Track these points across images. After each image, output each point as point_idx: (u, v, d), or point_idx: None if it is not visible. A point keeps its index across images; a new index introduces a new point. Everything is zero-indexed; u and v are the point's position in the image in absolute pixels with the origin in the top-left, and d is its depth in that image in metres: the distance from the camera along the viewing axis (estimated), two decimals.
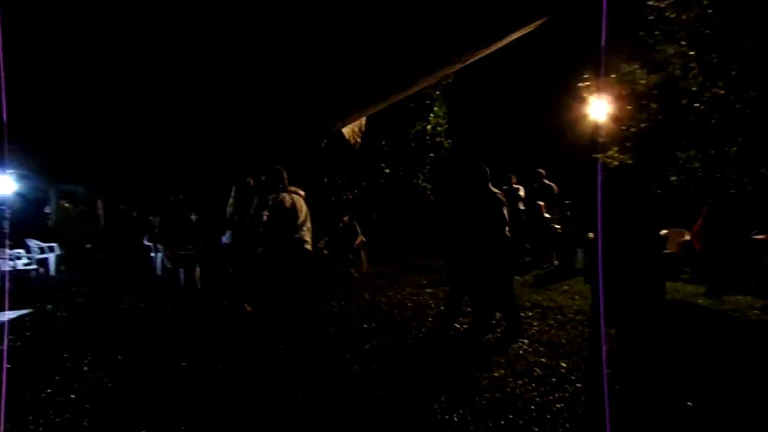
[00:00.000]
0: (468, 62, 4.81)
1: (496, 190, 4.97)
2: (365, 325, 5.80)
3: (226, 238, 10.63)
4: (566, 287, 7.70)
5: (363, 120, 7.81)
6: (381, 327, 5.73)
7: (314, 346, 4.93)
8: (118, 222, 12.78)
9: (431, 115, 9.97)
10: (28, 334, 5.88)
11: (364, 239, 10.15)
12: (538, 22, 3.95)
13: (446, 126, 10.94)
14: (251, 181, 6.19)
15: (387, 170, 10.10)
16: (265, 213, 4.72)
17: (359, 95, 5.07)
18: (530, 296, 7.09)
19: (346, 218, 10.37)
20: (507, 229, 4.95)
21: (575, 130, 10.31)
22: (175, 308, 7.09)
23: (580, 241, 9.39)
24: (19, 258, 10.34)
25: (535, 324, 5.68)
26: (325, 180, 9.47)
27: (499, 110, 12.63)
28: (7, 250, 9.14)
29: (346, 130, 7.48)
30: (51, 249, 11.64)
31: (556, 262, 9.87)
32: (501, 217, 4.84)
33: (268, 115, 5.08)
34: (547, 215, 10.13)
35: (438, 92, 10.27)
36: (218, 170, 8.99)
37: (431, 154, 10.84)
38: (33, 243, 11.49)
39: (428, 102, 9.90)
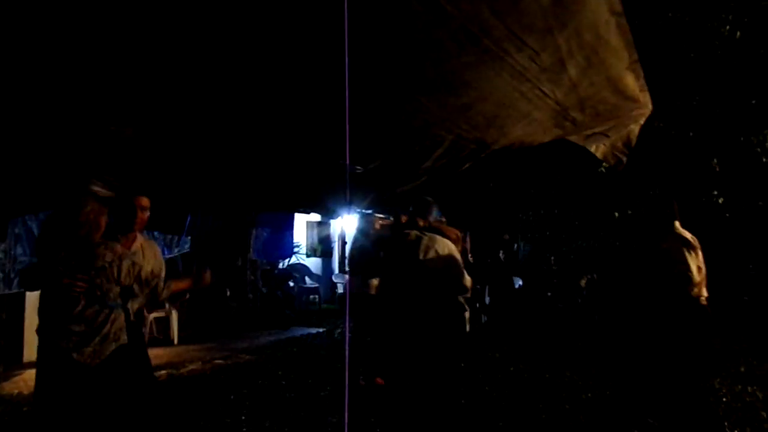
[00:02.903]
0: None
1: (685, 234, 3.26)
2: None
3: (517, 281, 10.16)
4: None
5: (634, 130, 5.90)
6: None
7: None
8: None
9: None
10: (294, 349, 7.09)
11: None
12: None
13: None
14: (403, 219, 5.54)
15: (720, 200, 7.25)
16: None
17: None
18: None
19: None
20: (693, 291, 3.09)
21: None
22: None
23: None
24: None
25: None
26: (616, 215, 7.59)
27: None
28: (346, 276, 11.27)
29: (597, 147, 5.77)
30: None
31: None
32: (682, 274, 3.11)
33: None
34: None
35: None
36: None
37: None
38: None
39: None
